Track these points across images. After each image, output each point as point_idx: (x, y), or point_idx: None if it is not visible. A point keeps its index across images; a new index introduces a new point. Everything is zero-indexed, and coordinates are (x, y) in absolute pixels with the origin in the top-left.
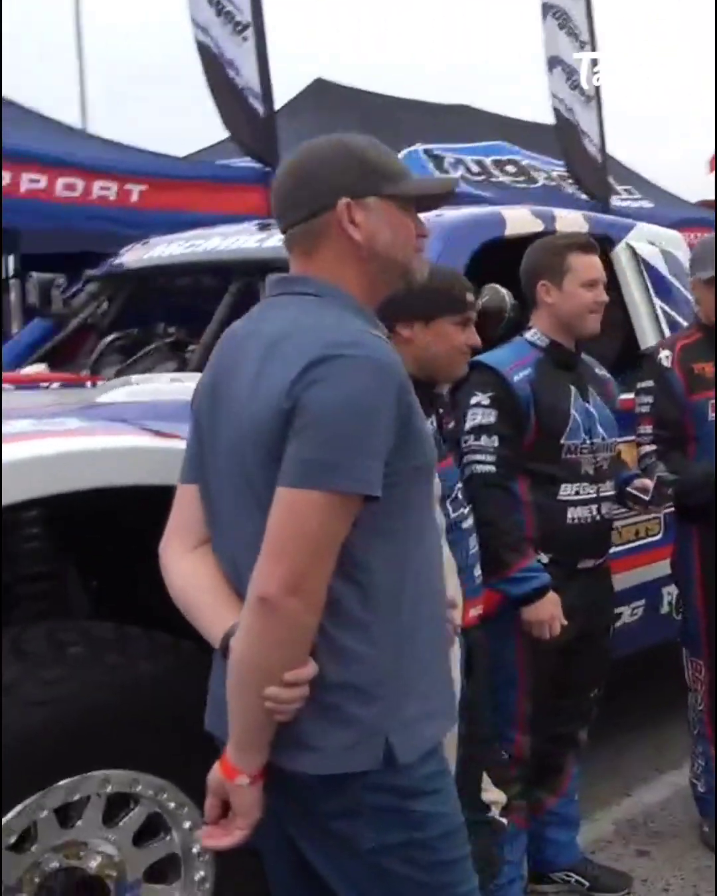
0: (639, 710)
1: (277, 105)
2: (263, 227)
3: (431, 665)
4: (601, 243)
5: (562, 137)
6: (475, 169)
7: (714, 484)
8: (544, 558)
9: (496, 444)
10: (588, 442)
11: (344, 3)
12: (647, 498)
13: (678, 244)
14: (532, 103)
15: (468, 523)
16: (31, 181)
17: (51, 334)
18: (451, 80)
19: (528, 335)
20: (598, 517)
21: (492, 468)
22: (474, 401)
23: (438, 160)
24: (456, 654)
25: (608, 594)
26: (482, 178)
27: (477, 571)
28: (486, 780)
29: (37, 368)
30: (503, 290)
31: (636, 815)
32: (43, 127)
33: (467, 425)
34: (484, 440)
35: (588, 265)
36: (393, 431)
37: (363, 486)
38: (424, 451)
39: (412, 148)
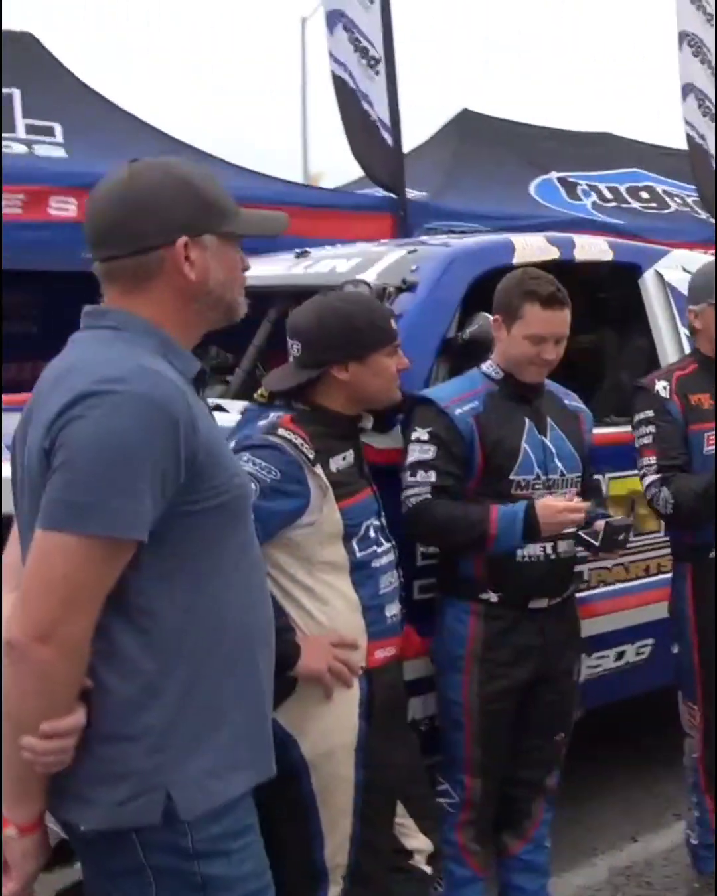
0: (664, 750)
1: (426, 135)
2: (300, 255)
3: (233, 715)
4: (629, 271)
5: (694, 163)
6: (608, 195)
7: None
8: (494, 597)
9: (433, 478)
10: (543, 477)
11: (493, 40)
12: (597, 543)
13: None
14: (674, 130)
15: (382, 561)
16: None
17: None
18: (595, 109)
19: (484, 366)
20: (553, 555)
21: (428, 496)
22: (413, 437)
23: (570, 187)
24: (355, 695)
25: (569, 635)
26: (614, 204)
27: (390, 611)
28: (410, 827)
29: None
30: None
31: (636, 862)
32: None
33: (406, 461)
34: (420, 475)
35: (542, 320)
36: (173, 469)
37: (120, 529)
38: (227, 487)
39: (546, 175)
